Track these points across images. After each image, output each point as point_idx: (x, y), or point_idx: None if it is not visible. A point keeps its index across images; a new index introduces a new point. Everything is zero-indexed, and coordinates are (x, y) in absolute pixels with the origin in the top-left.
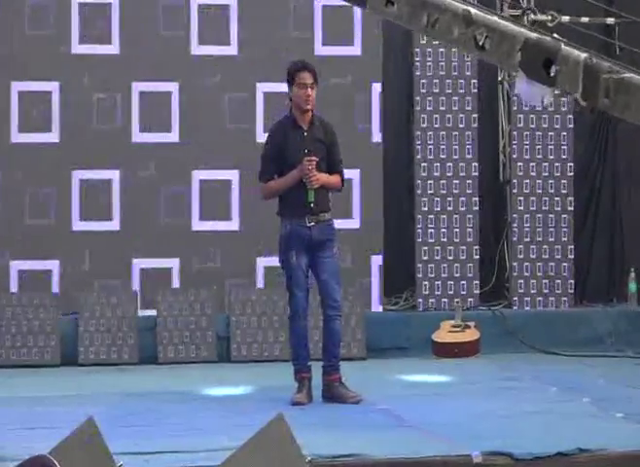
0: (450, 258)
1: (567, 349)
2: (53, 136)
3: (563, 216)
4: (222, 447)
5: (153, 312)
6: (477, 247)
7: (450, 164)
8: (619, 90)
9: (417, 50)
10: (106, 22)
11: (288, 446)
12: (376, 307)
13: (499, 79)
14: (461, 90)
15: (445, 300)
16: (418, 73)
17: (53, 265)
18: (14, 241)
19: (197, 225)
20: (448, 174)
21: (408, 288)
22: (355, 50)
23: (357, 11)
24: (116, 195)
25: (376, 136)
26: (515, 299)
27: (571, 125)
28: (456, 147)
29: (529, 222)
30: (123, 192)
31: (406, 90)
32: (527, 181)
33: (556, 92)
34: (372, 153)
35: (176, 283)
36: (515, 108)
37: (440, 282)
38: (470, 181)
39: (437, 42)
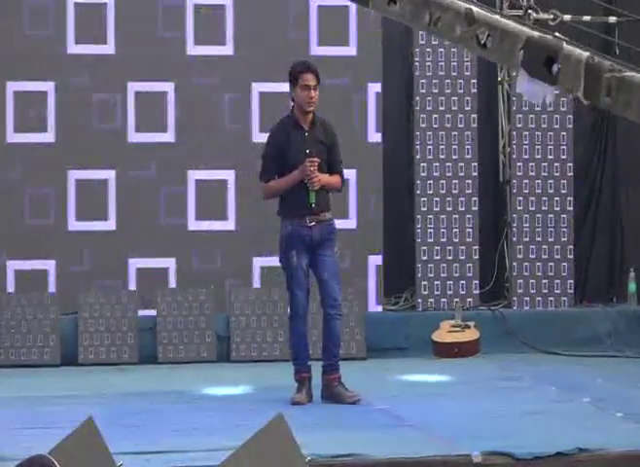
0: (450, 258)
1: (567, 349)
2: (48, 136)
3: (563, 216)
4: (221, 446)
5: (150, 312)
6: (476, 247)
7: (450, 164)
8: (620, 89)
9: (417, 50)
10: (102, 22)
11: (288, 445)
12: (373, 307)
13: (498, 79)
14: (460, 91)
15: (445, 300)
16: (418, 73)
17: (50, 265)
18: (10, 241)
19: (194, 225)
20: (448, 174)
21: (408, 288)
22: (351, 50)
23: (353, 11)
24: (112, 195)
25: (373, 136)
26: (515, 299)
27: (570, 125)
28: (456, 147)
29: (529, 222)
30: (118, 192)
31: (405, 91)
32: (527, 181)
33: (556, 92)
34: (368, 153)
35: (172, 283)
36: (514, 108)
37: (439, 282)
38: (469, 181)
39: (436, 42)
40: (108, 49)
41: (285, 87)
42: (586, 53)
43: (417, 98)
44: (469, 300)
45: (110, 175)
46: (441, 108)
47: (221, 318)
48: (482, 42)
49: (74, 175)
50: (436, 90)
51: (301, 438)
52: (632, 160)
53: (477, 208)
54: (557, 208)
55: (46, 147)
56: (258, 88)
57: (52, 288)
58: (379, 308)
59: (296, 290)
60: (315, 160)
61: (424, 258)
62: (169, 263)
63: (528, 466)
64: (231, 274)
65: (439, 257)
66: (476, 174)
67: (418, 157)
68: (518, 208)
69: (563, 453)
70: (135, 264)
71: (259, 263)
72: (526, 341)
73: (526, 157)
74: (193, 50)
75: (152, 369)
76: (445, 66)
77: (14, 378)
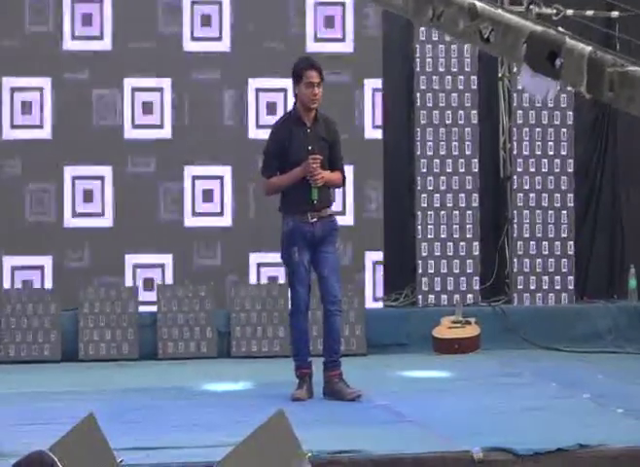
0: (450, 254)
1: (567, 345)
2: (45, 132)
3: (563, 212)
4: (222, 442)
5: (149, 308)
6: (477, 243)
7: (450, 161)
8: (623, 84)
9: (417, 46)
10: (98, 18)
11: (288, 442)
12: (371, 303)
13: (499, 75)
14: (461, 87)
15: (445, 296)
16: (418, 69)
17: (46, 260)
18: (6, 237)
19: (190, 221)
20: (448, 170)
21: (409, 284)
22: (350, 46)
23: (350, 7)
24: (109, 191)
25: (373, 133)
26: (515, 295)
27: (571, 122)
28: (456, 143)
29: (529, 218)
30: (115, 188)
31: (405, 87)
32: (527, 177)
33: (558, 88)
34: (368, 149)
35: (169, 279)
36: (514, 104)
37: (440, 278)
38: (470, 177)
39: (436, 38)
40: (105, 45)
41: (282, 83)
42: (589, 48)
43: (417, 94)
44: (469, 296)
45: (107, 171)
46: (441, 104)
47: (221, 314)
48: (486, 36)
49: (71, 171)
50: (436, 87)
51: (301, 434)
52: (632, 158)
53: (477, 204)
54: (558, 204)
55: (42, 143)
56: (255, 84)
57: (51, 284)
58: (380, 305)
59: (297, 286)
60: (318, 157)
61: (424, 254)
62: (166, 259)
63: (528, 462)
64: (229, 271)
65: (439, 253)
66: (476, 170)
67: (419, 153)
68: (519, 204)
69: (564, 449)
70: (132, 260)
71: (256, 259)
72: (527, 338)
73: (527, 153)
74: (189, 46)
75: (152, 365)
76: (446, 62)
77: (14, 374)
